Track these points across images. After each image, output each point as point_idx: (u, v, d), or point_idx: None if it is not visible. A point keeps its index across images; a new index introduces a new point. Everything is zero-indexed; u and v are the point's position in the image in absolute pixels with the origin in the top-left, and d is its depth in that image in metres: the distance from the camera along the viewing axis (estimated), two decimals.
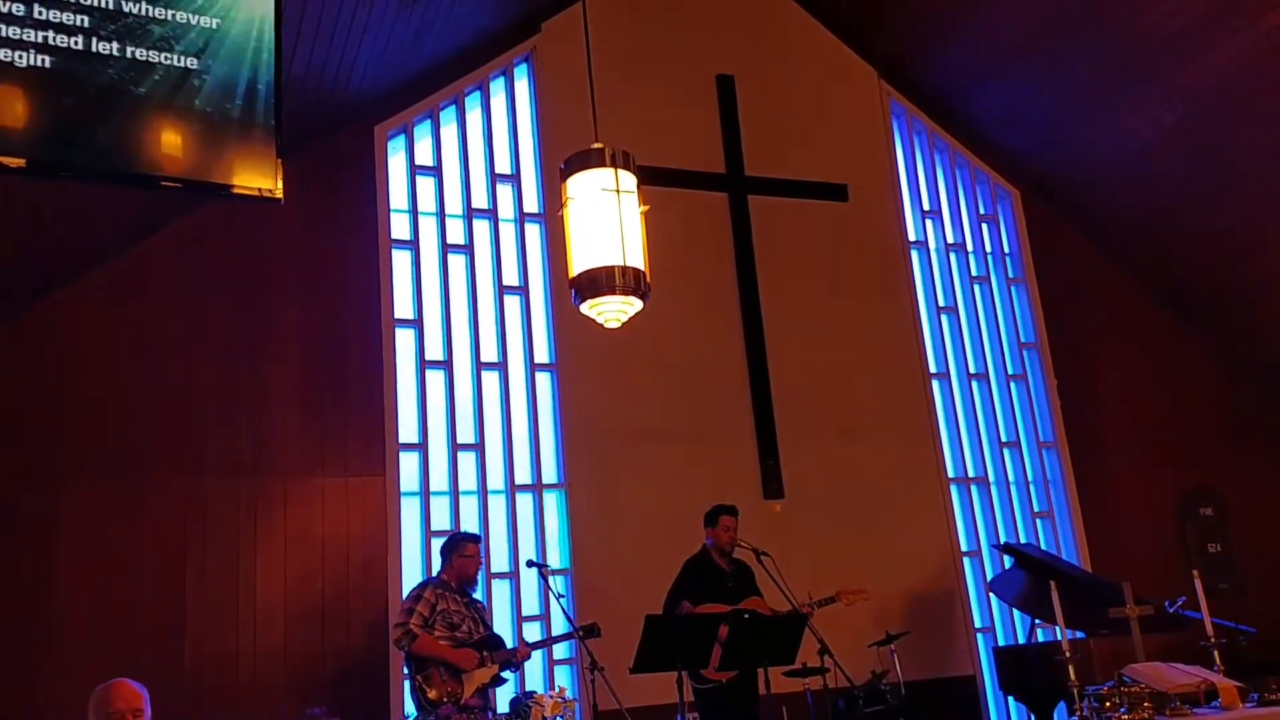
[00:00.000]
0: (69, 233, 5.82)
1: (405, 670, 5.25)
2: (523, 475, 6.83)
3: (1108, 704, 4.19)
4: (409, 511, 6.51)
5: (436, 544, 6.44)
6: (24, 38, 3.38)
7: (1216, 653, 4.79)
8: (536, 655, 6.37)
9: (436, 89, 7.21)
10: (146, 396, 6.05)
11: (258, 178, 3.70)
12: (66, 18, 3.46)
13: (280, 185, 3.73)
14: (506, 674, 5.39)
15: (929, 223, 8.54)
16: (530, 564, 5.59)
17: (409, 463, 6.59)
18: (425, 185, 7.18)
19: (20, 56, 3.37)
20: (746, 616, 5.25)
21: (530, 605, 6.61)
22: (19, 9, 3.40)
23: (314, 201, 6.64)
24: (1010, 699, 7.17)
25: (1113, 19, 7.19)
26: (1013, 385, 8.36)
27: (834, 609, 5.90)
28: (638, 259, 3.96)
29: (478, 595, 5.64)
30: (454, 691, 4.99)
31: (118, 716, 3.28)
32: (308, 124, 6.41)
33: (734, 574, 5.83)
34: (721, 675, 5.35)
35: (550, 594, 5.68)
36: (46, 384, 5.89)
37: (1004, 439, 8.18)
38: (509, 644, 5.48)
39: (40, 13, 3.43)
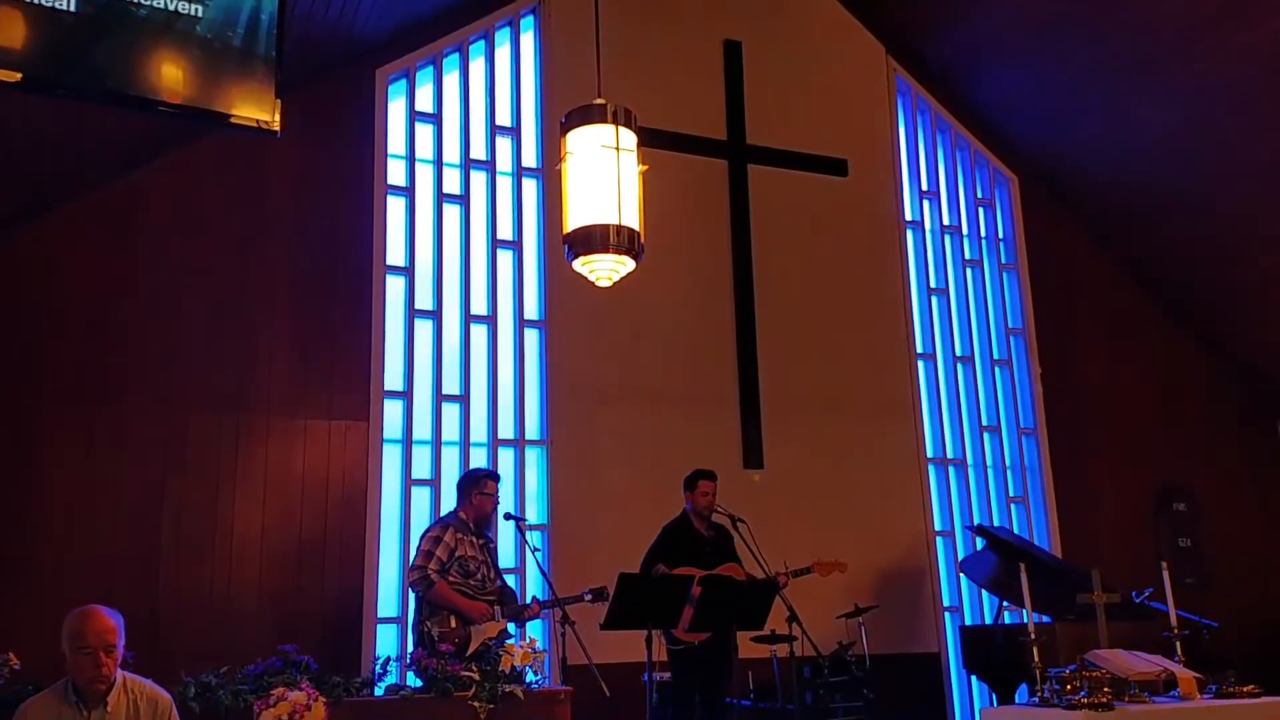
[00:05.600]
0: (63, 157, 5.75)
1: (415, 610, 5.21)
2: (506, 430, 6.84)
3: (1069, 687, 4.25)
4: (390, 458, 6.52)
5: (417, 491, 6.51)
6: None
7: (1179, 644, 4.86)
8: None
9: (441, 35, 7.13)
10: (133, 326, 6.02)
11: (256, 109, 3.67)
12: None
13: (278, 119, 3.70)
14: (513, 628, 5.34)
15: (926, 203, 8.53)
16: (508, 517, 5.60)
17: (393, 410, 6.59)
18: (424, 132, 7.12)
19: None
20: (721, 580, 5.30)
21: (506, 558, 6.64)
22: None
23: (311, 142, 6.58)
24: (973, 677, 7.28)
25: (1123, 12, 7.16)
26: (997, 370, 8.40)
27: (807, 579, 5.95)
28: (633, 219, 3.94)
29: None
30: (461, 640, 4.97)
31: (91, 653, 3.25)
32: (309, 61, 6.34)
33: (713, 539, 5.86)
34: (692, 637, 5.41)
35: (526, 548, 5.71)
36: (32, 308, 5.86)
37: (985, 423, 8.23)
38: (519, 598, 5.47)
39: None
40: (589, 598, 5.22)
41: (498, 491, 5.45)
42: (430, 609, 5.08)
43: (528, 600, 5.57)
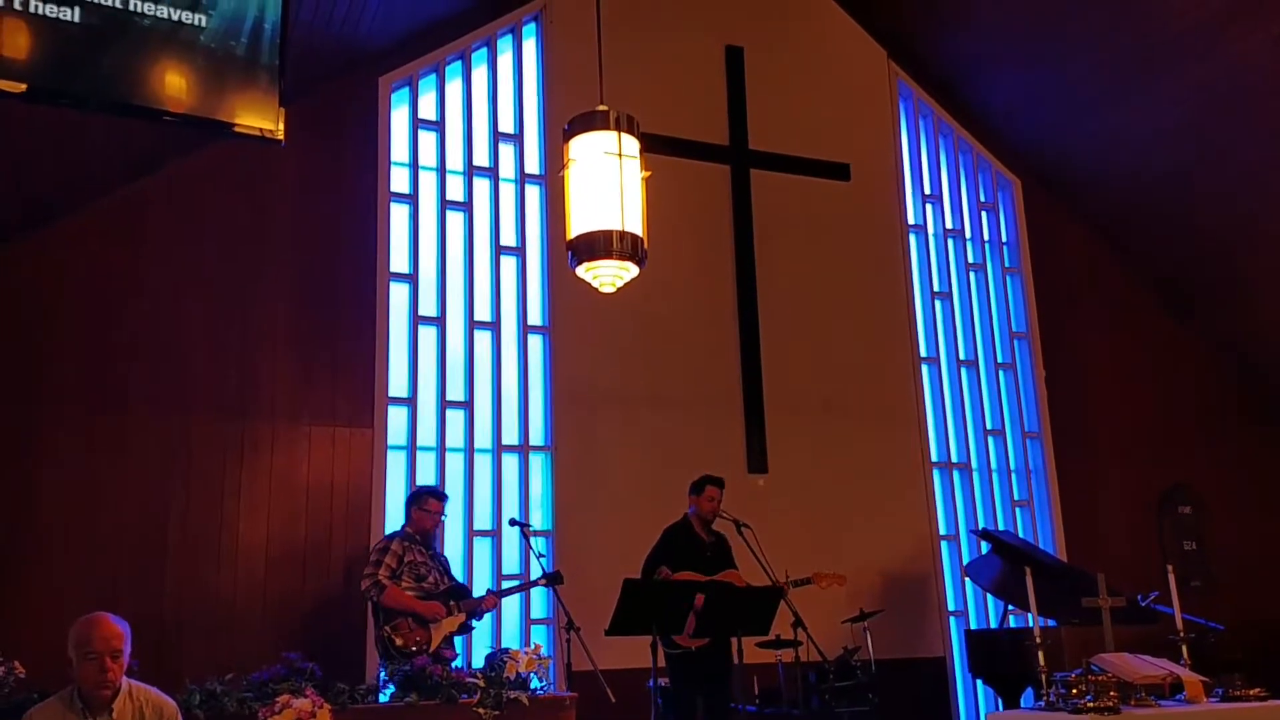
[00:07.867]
0: (68, 166, 5.77)
1: (373, 620, 5.31)
2: (510, 436, 6.85)
3: (1075, 691, 4.24)
4: (395, 465, 6.53)
5: None
6: None
7: (1185, 647, 4.84)
8: (514, 609, 6.46)
9: (444, 43, 7.15)
10: (136, 333, 6.04)
11: (259, 118, 3.68)
12: None
13: (282, 127, 3.72)
14: (474, 623, 5.49)
15: (929, 207, 8.54)
16: (513, 523, 5.63)
17: (397, 416, 6.60)
18: (427, 140, 7.14)
19: None
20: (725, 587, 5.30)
21: (511, 564, 6.65)
22: None
23: (314, 150, 6.60)
24: (979, 682, 7.26)
25: (1123, 14, 7.16)
26: (1001, 374, 8.39)
27: (809, 586, 5.96)
28: (636, 225, 3.96)
29: (443, 553, 5.72)
30: (422, 640, 5.05)
31: (96, 658, 3.26)
32: (312, 70, 6.36)
33: (712, 545, 5.87)
34: (693, 642, 5.40)
35: (531, 553, 5.73)
36: (37, 314, 5.87)
37: (989, 427, 8.23)
38: (474, 594, 5.55)
39: None
40: (544, 582, 5.34)
41: (441, 510, 5.55)
42: (386, 615, 5.16)
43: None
